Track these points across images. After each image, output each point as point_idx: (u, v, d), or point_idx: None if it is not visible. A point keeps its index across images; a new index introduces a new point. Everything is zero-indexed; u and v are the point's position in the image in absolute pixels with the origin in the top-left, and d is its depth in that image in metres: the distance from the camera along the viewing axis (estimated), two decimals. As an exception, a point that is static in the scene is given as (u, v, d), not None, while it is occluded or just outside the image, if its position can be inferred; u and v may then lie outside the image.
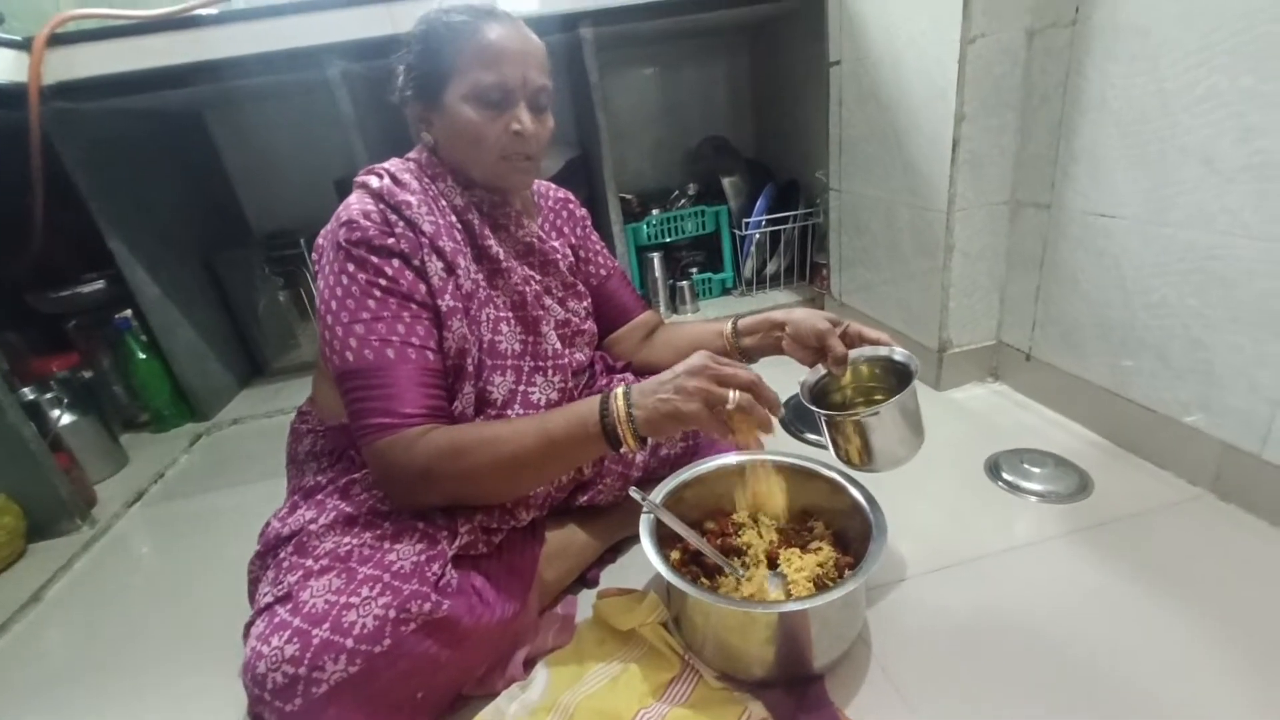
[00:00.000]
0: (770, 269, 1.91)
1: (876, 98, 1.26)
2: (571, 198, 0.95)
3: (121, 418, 1.58)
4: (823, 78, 1.44)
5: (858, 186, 1.41)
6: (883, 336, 0.77)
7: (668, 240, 1.89)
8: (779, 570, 0.76)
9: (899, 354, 0.76)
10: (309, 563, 0.64)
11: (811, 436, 1.17)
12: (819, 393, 0.79)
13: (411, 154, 0.79)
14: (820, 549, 0.78)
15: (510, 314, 0.78)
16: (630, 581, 0.85)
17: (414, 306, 0.68)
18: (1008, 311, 1.21)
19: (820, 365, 0.79)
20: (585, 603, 0.83)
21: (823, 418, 0.74)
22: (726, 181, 1.87)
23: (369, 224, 0.68)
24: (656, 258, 1.83)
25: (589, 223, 0.96)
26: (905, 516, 0.90)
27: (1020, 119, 1.09)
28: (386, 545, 0.66)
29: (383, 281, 0.67)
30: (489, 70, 0.69)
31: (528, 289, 0.79)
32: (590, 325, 0.90)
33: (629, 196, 1.96)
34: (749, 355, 0.88)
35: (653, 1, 1.44)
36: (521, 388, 0.78)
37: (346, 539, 0.66)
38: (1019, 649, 0.69)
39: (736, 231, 1.87)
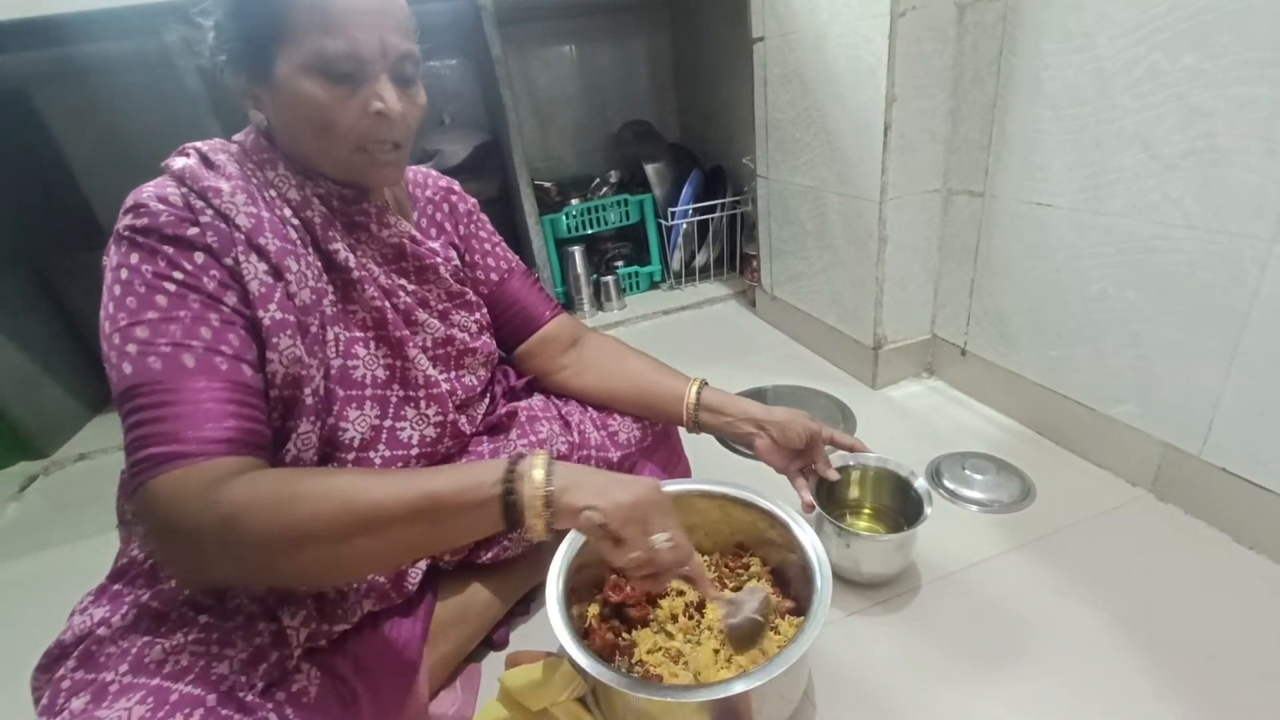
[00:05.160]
0: (699, 260, 1.82)
1: (802, 77, 1.17)
2: (455, 187, 0.78)
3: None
4: (746, 56, 1.34)
5: (786, 174, 1.33)
6: (858, 443, 0.77)
7: (589, 232, 1.75)
8: (705, 623, 0.66)
9: (919, 484, 0.76)
10: (106, 677, 0.49)
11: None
12: (827, 482, 0.77)
13: (238, 135, 0.62)
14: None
15: (368, 334, 0.63)
16: (545, 640, 0.73)
17: (225, 309, 0.52)
18: (942, 305, 1.16)
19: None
20: (491, 671, 0.71)
21: (829, 522, 0.73)
22: (650, 168, 1.75)
23: (162, 208, 0.51)
24: (578, 251, 1.70)
25: (477, 213, 0.79)
26: (848, 540, 0.83)
27: (952, 101, 1.02)
28: (212, 649, 0.51)
29: (178, 275, 0.51)
30: (333, 34, 0.52)
31: (389, 303, 0.64)
32: (485, 342, 0.75)
33: (547, 184, 1.81)
34: (702, 429, 0.78)
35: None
36: (388, 423, 0.64)
37: (154, 643, 0.50)
38: (971, 690, 0.63)
39: (662, 221, 1.76)
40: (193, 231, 0.52)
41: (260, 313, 0.53)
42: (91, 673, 0.49)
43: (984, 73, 0.95)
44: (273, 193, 0.58)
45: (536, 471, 0.49)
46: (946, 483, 0.91)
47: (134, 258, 0.51)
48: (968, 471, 0.92)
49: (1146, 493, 0.85)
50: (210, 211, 0.53)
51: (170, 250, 0.51)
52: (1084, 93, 0.82)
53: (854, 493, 0.83)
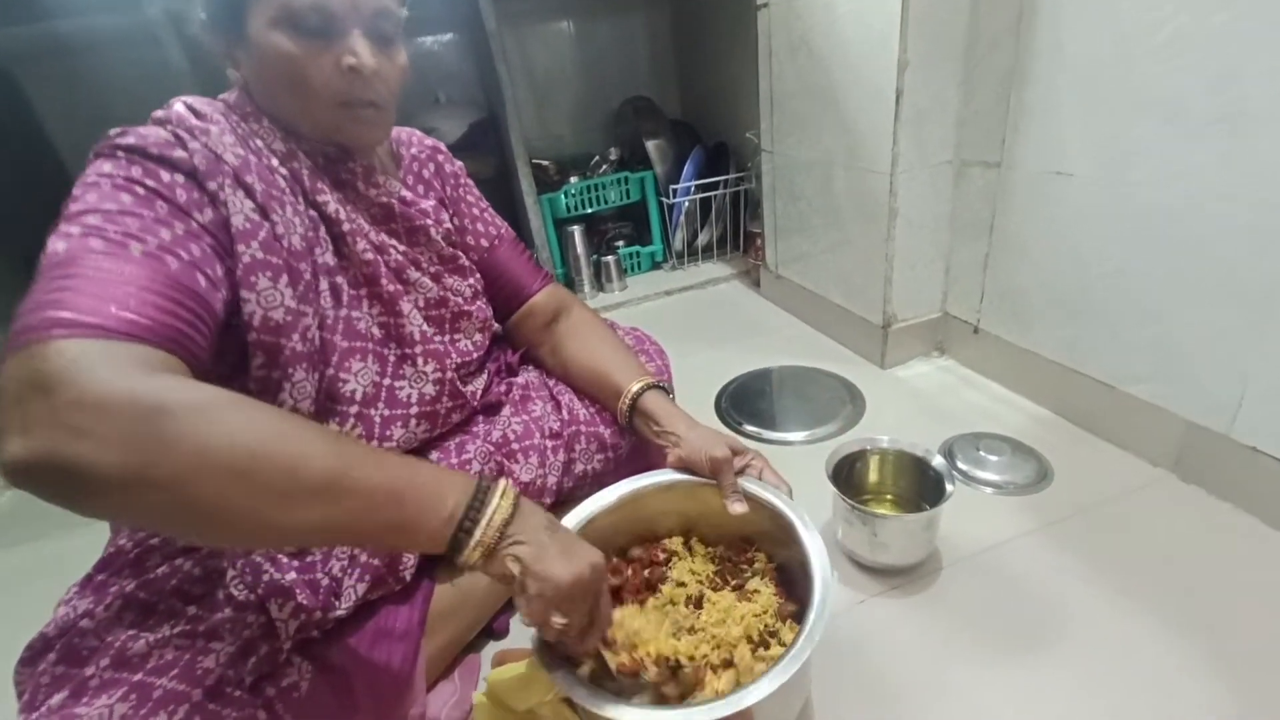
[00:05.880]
0: (702, 239, 1.78)
1: (809, 45, 1.12)
2: (442, 147, 0.76)
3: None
4: (749, 25, 1.29)
5: (791, 147, 1.28)
6: (779, 479, 0.64)
7: (589, 211, 1.71)
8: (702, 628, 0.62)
9: (937, 462, 0.73)
10: (87, 671, 0.47)
11: (749, 428, 1.06)
12: (844, 467, 0.77)
13: (223, 95, 0.60)
14: (759, 592, 0.65)
15: (360, 291, 0.62)
16: (546, 629, 0.71)
17: (194, 223, 0.49)
18: (953, 281, 1.13)
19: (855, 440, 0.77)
20: (490, 661, 0.69)
21: (852, 509, 0.71)
22: (651, 145, 1.71)
23: (150, 133, 0.50)
24: (577, 231, 1.66)
25: (464, 177, 0.77)
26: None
27: (965, 69, 0.98)
28: (199, 642, 0.49)
29: (150, 183, 0.48)
30: None
31: (381, 259, 0.63)
32: (480, 307, 0.73)
33: (545, 163, 1.77)
34: (634, 432, 0.73)
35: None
36: (387, 381, 0.62)
37: (138, 636, 0.48)
38: (990, 675, 0.61)
39: (664, 199, 1.72)
40: (179, 154, 0.50)
41: (241, 247, 0.51)
42: (73, 667, 0.47)
43: (1002, 38, 0.91)
44: (259, 142, 0.58)
45: (506, 502, 0.47)
46: (960, 464, 0.89)
47: (107, 166, 0.48)
48: (982, 452, 0.89)
49: (1168, 473, 0.82)
50: (198, 144, 0.51)
51: (150, 164, 0.49)
52: (1106, 58, 0.78)
53: (871, 479, 0.80)
